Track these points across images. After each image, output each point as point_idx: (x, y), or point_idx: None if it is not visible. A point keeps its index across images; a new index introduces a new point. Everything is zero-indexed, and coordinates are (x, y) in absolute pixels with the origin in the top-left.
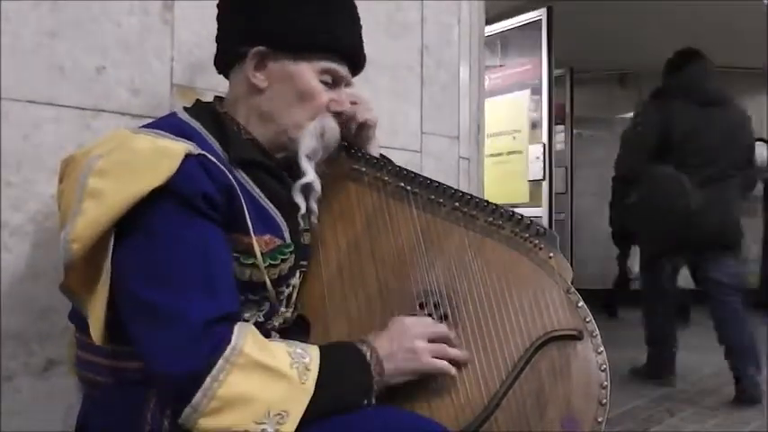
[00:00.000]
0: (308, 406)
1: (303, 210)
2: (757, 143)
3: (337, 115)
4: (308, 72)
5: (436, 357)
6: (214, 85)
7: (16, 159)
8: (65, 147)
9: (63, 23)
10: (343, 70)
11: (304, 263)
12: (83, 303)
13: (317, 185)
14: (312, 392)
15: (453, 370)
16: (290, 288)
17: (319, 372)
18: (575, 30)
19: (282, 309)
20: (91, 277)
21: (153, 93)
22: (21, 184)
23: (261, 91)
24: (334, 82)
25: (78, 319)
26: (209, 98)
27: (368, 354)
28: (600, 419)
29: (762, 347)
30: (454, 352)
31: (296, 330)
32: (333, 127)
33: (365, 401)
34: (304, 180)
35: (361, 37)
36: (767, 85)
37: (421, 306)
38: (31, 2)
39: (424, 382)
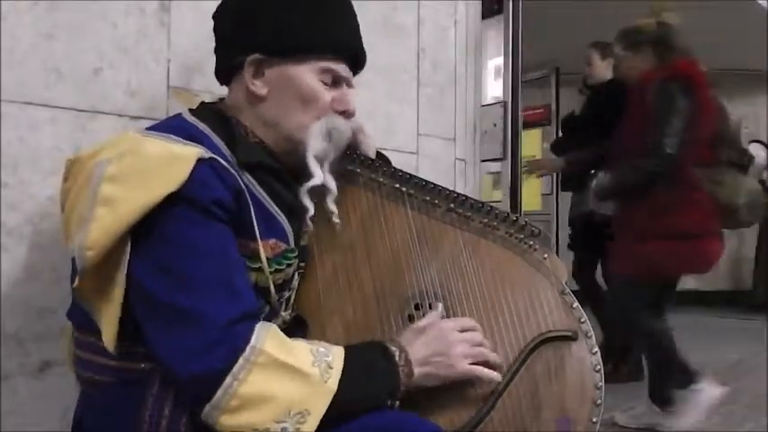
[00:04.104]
0: (331, 405)
1: (311, 212)
2: (755, 144)
3: (342, 114)
4: (306, 74)
5: (473, 362)
6: (210, 86)
7: (13, 160)
8: (61, 148)
9: (60, 25)
10: (342, 70)
11: (302, 264)
12: (95, 309)
13: (332, 185)
14: (335, 391)
15: (494, 374)
16: (290, 291)
17: (343, 370)
18: (561, 30)
19: (282, 312)
20: (104, 283)
21: (149, 94)
22: (17, 186)
23: (262, 98)
24: (335, 81)
25: (78, 318)
26: (205, 100)
27: (396, 353)
28: (594, 420)
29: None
30: (493, 356)
31: (293, 331)
32: (340, 125)
33: (390, 402)
34: (311, 182)
35: (358, 33)
36: (767, 86)
37: (416, 307)
38: (28, 3)
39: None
